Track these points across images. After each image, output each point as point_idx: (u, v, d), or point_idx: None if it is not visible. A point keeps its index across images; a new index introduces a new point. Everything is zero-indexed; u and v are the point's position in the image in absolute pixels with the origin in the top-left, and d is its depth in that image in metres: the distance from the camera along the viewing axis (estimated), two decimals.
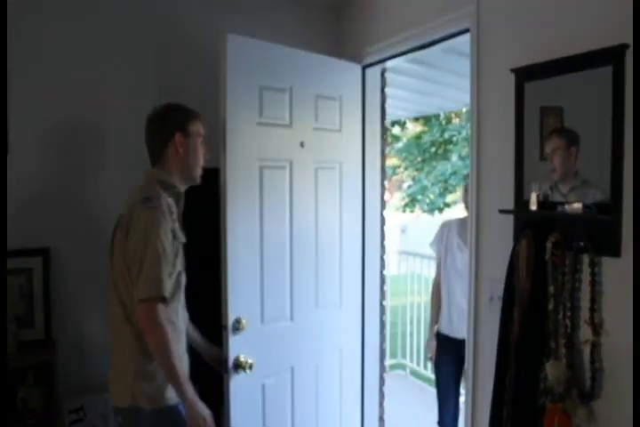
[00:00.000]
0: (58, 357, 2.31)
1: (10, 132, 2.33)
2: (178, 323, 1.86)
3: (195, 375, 2.29)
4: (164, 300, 1.73)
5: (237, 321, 2.20)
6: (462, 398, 2.78)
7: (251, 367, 2.21)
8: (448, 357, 2.98)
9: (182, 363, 1.84)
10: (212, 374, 2.23)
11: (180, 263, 1.87)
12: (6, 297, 2.03)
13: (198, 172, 1.97)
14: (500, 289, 1.86)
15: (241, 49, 2.22)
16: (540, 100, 1.78)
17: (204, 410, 1.78)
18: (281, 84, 2.41)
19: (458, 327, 2.82)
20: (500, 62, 1.95)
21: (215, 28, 2.42)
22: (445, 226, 3.08)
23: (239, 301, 2.22)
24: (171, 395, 1.80)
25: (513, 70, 1.84)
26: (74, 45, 2.46)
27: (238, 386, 2.21)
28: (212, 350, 2.19)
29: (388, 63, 2.82)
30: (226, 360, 2.17)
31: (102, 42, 2.51)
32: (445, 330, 3.01)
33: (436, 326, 3.09)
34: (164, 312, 1.72)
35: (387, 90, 3.00)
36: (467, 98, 2.20)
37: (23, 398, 2.32)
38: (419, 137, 11.00)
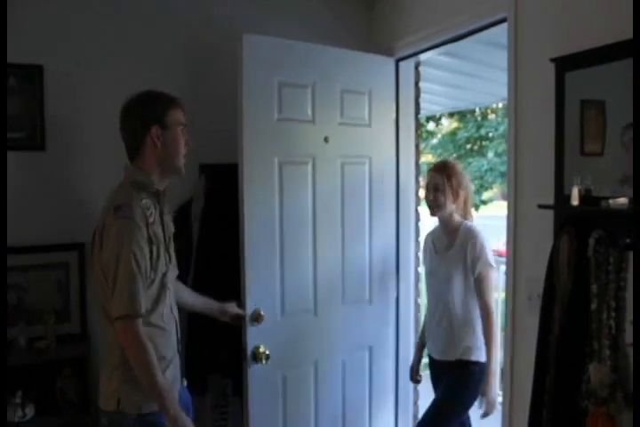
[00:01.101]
0: (92, 351, 2.34)
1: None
2: (166, 326, 1.80)
3: (216, 365, 2.47)
4: (140, 316, 1.67)
5: (256, 312, 2.26)
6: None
7: (267, 358, 2.27)
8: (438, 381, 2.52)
9: (170, 370, 1.80)
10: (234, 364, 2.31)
11: (162, 264, 1.78)
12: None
13: (180, 162, 1.83)
14: (539, 288, 1.80)
15: (258, 48, 2.26)
16: (582, 91, 1.71)
17: (187, 423, 1.72)
18: (303, 80, 2.42)
19: (432, 347, 2.53)
20: (539, 52, 1.88)
21: (245, 26, 2.44)
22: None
23: (258, 293, 2.28)
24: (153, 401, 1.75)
25: (553, 60, 1.77)
26: (98, 45, 2.51)
27: (258, 376, 2.27)
28: (223, 306, 2.16)
29: (422, 56, 2.77)
30: (245, 350, 2.24)
31: (127, 41, 2.56)
32: (428, 350, 2.62)
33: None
34: (142, 328, 1.67)
35: (420, 84, 2.95)
36: (503, 91, 2.14)
37: (61, 389, 2.39)
38: (454, 133, 10.85)
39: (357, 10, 2.96)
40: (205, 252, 2.52)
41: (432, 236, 2.59)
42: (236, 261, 2.28)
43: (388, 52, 2.76)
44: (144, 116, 1.79)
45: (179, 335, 1.90)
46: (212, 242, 2.51)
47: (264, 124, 2.31)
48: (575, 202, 1.65)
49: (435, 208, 2.45)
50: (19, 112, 2.41)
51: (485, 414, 2.32)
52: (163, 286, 1.78)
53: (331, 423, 2.57)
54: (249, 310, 2.26)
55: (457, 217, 2.46)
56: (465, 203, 2.50)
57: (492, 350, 2.30)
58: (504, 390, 2.13)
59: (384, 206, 2.72)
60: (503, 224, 2.06)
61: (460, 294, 2.38)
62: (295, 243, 2.41)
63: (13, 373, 2.34)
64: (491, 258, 2.36)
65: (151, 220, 1.73)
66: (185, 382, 1.98)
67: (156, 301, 1.76)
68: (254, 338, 2.26)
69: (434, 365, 2.55)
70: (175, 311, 1.89)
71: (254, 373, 2.27)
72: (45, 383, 2.38)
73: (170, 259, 1.86)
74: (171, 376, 1.80)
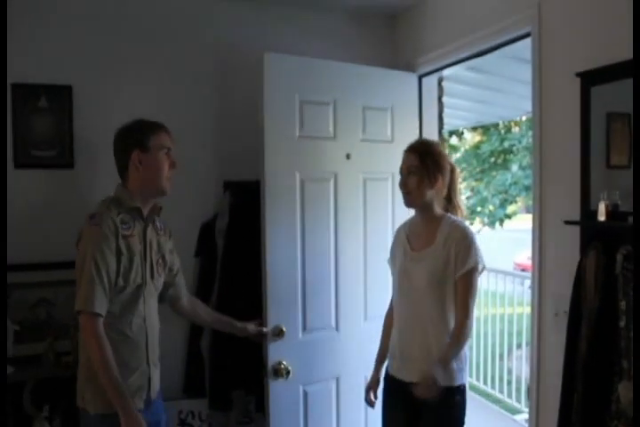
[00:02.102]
0: None
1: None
2: (133, 336, 1.88)
3: (240, 382, 2.47)
4: (97, 315, 1.76)
5: (277, 328, 2.29)
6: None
7: (288, 373, 2.29)
8: (395, 400, 2.10)
9: (135, 379, 1.86)
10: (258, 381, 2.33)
11: (137, 277, 1.87)
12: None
13: (162, 184, 1.94)
14: (565, 304, 1.77)
15: (280, 66, 2.31)
16: (607, 104, 1.70)
17: (140, 423, 1.77)
18: (324, 97, 2.46)
19: (399, 365, 2.06)
20: (564, 67, 1.88)
21: (270, 44, 2.49)
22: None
23: (279, 309, 2.31)
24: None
25: (578, 74, 1.76)
26: (125, 66, 2.59)
27: (278, 391, 2.29)
28: (244, 326, 2.21)
29: (445, 72, 2.78)
30: (265, 365, 2.27)
31: (153, 62, 2.63)
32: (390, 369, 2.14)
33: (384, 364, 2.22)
34: (100, 326, 1.77)
35: (444, 99, 2.95)
36: (527, 105, 2.13)
37: None
38: (477, 147, 10.78)
39: (380, 26, 2.99)
40: (230, 267, 2.55)
41: (406, 229, 2.15)
42: (259, 275, 2.30)
43: (410, 67, 2.77)
44: (127, 141, 1.93)
45: (148, 347, 1.94)
46: (237, 257, 2.54)
47: (286, 141, 2.34)
48: (602, 217, 1.63)
49: (407, 195, 2.03)
50: (49, 131, 2.48)
51: None
52: (135, 297, 1.88)
53: None
54: (270, 325, 2.28)
55: (438, 208, 2.05)
56: (451, 192, 2.09)
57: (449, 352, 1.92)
58: (530, 407, 2.10)
59: None
60: (526, 237, 2.04)
61: (440, 303, 1.94)
62: (317, 259, 2.43)
63: (41, 387, 2.38)
64: (481, 258, 1.93)
65: (127, 233, 1.87)
66: (152, 397, 1.97)
67: (126, 308, 1.86)
68: (275, 353, 2.28)
69: (395, 384, 2.07)
70: (151, 324, 1.96)
71: (275, 388, 2.28)
72: (72, 398, 2.41)
73: (153, 274, 1.95)
74: (135, 385, 1.87)
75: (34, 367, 2.39)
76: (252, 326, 2.24)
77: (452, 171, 2.08)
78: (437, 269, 1.93)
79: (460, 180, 2.18)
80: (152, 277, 1.96)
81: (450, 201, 2.09)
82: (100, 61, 2.53)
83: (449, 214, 2.04)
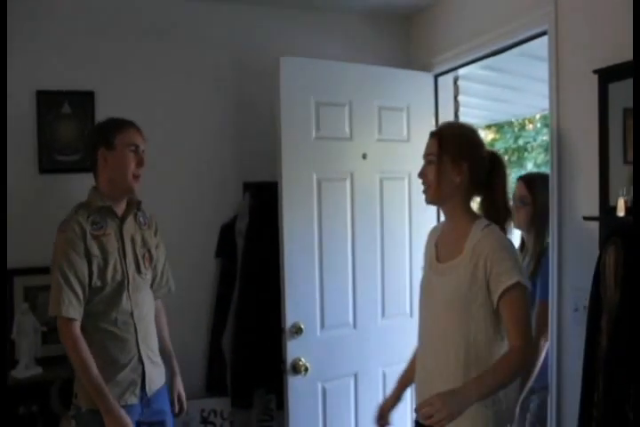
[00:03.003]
0: None
1: None
2: (119, 332, 1.93)
3: (261, 381, 2.51)
4: (70, 319, 1.83)
5: (295, 326, 2.33)
6: None
7: (307, 370, 2.33)
8: None
9: (125, 374, 1.92)
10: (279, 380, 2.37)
11: (115, 274, 1.93)
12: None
13: (128, 181, 1.95)
14: (585, 299, 1.77)
15: (295, 69, 2.35)
16: (625, 101, 1.70)
17: (123, 419, 1.82)
18: (340, 98, 2.49)
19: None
20: (581, 64, 1.88)
21: (285, 46, 2.53)
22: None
23: (297, 307, 2.35)
24: None
25: (596, 71, 1.77)
26: (145, 71, 2.64)
27: (297, 387, 2.34)
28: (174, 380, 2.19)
29: (460, 71, 2.79)
30: (284, 362, 2.32)
31: (173, 68, 2.69)
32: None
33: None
34: (75, 329, 1.84)
35: (459, 98, 2.96)
36: (542, 103, 2.14)
37: None
38: (491, 145, 10.74)
39: (395, 27, 3.01)
40: (249, 267, 2.59)
41: (437, 233, 1.80)
42: (279, 274, 2.34)
43: (426, 67, 2.79)
44: (93, 139, 1.99)
45: (139, 343, 1.97)
46: (256, 257, 2.57)
47: (302, 142, 2.38)
48: (621, 213, 1.64)
49: (426, 189, 1.68)
50: (73, 136, 2.54)
51: None
52: (118, 294, 1.93)
53: None
54: (289, 323, 2.32)
55: (468, 210, 1.67)
56: (492, 191, 1.66)
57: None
58: (550, 402, 2.09)
59: (424, 221, 2.72)
60: None
61: (465, 330, 1.57)
62: (334, 257, 2.46)
63: (68, 386, 2.43)
64: (522, 272, 1.56)
65: (98, 233, 1.92)
66: (149, 394, 2.00)
67: (109, 306, 1.92)
68: (294, 350, 2.33)
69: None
70: (141, 319, 1.99)
71: (294, 384, 2.33)
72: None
73: (139, 268, 2.00)
74: (126, 381, 1.93)
75: (61, 367, 2.44)
76: (175, 389, 2.18)
77: (494, 161, 1.69)
78: (461, 287, 1.58)
79: (507, 174, 1.71)
80: (138, 271, 2.00)
81: (491, 202, 1.68)
82: (120, 67, 2.59)
83: (482, 219, 1.65)
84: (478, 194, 1.70)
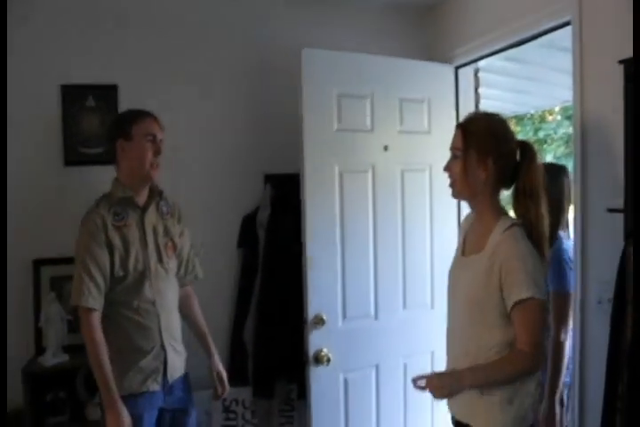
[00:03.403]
0: None
1: None
2: (142, 320, 1.97)
3: (283, 371, 2.56)
4: (90, 309, 1.88)
5: (317, 317, 2.36)
6: None
7: (328, 361, 2.36)
8: None
9: (148, 361, 1.96)
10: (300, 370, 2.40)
11: (137, 263, 1.97)
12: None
13: (145, 170, 1.99)
14: (609, 292, 1.76)
15: (317, 61, 2.36)
16: None
17: (122, 417, 1.84)
18: (361, 90, 2.49)
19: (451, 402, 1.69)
20: (605, 54, 1.86)
21: (306, 39, 2.54)
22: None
23: (319, 298, 2.37)
24: (127, 385, 1.91)
25: (622, 62, 1.75)
26: (167, 64, 2.67)
27: (319, 378, 2.36)
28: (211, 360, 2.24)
29: (481, 62, 2.77)
30: (306, 352, 2.34)
31: (194, 60, 2.71)
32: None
33: None
34: (94, 320, 1.88)
35: (480, 90, 2.95)
36: (563, 94, 2.13)
37: None
38: None
39: (416, 18, 3.00)
40: (271, 258, 2.61)
41: (468, 224, 1.76)
42: (300, 265, 2.36)
43: (447, 59, 2.78)
44: (112, 132, 2.03)
45: (162, 331, 2.01)
46: (278, 248, 2.60)
47: (324, 134, 2.40)
48: None
49: (451, 184, 1.65)
50: (97, 129, 2.57)
51: None
52: (140, 283, 1.97)
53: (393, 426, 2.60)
54: (311, 314, 2.34)
55: (494, 206, 1.61)
56: (521, 187, 1.57)
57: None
58: (573, 396, 2.09)
59: (445, 212, 2.74)
60: None
61: (480, 327, 1.57)
62: (356, 248, 2.48)
63: (93, 375, 2.47)
64: (536, 285, 1.48)
65: (120, 224, 1.97)
66: (170, 381, 2.05)
67: (131, 295, 1.97)
68: (316, 341, 2.35)
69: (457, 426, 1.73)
70: (164, 307, 2.03)
71: (316, 375, 2.35)
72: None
73: (161, 257, 2.03)
74: (149, 368, 1.97)
75: (86, 355, 2.48)
76: (214, 368, 2.23)
77: (525, 153, 1.61)
78: (478, 284, 1.55)
79: (538, 166, 1.60)
80: (160, 260, 2.04)
81: (520, 201, 1.59)
82: (143, 61, 2.63)
83: (507, 218, 1.60)
84: (508, 187, 1.64)
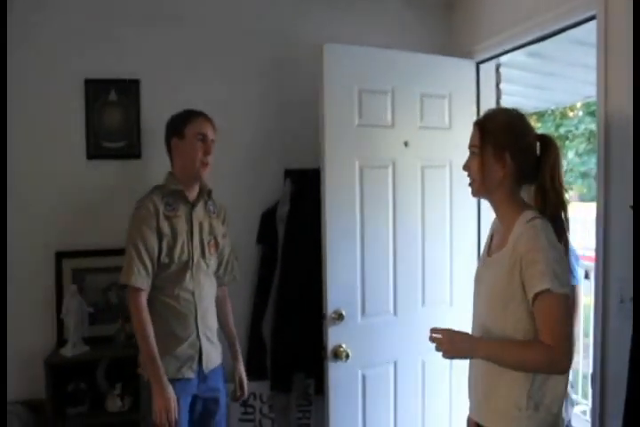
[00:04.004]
0: None
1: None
2: (180, 308, 2.06)
3: (301, 365, 2.57)
4: (137, 289, 1.98)
5: (337, 312, 2.35)
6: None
7: (347, 357, 2.35)
8: None
9: (184, 349, 2.04)
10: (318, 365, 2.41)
11: (183, 254, 2.06)
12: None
13: (195, 168, 2.09)
14: (631, 290, 1.74)
15: (339, 56, 2.35)
16: None
17: (167, 393, 1.93)
18: (382, 86, 2.48)
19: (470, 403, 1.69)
20: (631, 49, 1.83)
21: (327, 34, 2.55)
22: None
23: (339, 293, 2.36)
24: (163, 370, 1.96)
25: None
26: (188, 59, 2.68)
27: (338, 373, 2.36)
28: (235, 364, 2.31)
29: (503, 58, 2.75)
30: (325, 348, 2.34)
31: (215, 55, 2.73)
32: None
33: None
34: (141, 299, 1.98)
35: (501, 85, 2.92)
36: (586, 90, 2.10)
37: None
38: None
39: (438, 13, 2.98)
40: (290, 253, 2.62)
41: (496, 223, 1.70)
42: (320, 261, 2.36)
43: (468, 54, 2.76)
44: (168, 131, 2.15)
45: (198, 321, 2.09)
46: (297, 244, 2.60)
47: (345, 129, 2.39)
48: None
49: (471, 183, 1.62)
50: (119, 124, 2.60)
51: None
52: (183, 273, 2.07)
53: (410, 423, 2.60)
54: (330, 309, 2.34)
55: (515, 201, 1.57)
56: (543, 180, 1.53)
57: None
58: (593, 397, 2.06)
59: (465, 208, 2.72)
60: (580, 227, 1.95)
61: (502, 327, 1.52)
62: (375, 244, 2.47)
63: (114, 366, 2.51)
64: (556, 277, 1.41)
65: (171, 214, 2.07)
66: (205, 371, 2.11)
67: (173, 283, 2.06)
68: (335, 337, 2.35)
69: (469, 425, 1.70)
70: (202, 299, 2.11)
71: (334, 370, 2.35)
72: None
73: (204, 252, 2.13)
74: (184, 355, 2.05)
75: (106, 347, 2.53)
76: (237, 373, 2.29)
77: (545, 146, 1.57)
78: (500, 282, 1.51)
79: (560, 161, 1.56)
80: (203, 255, 2.12)
81: (541, 191, 1.54)
82: (165, 56, 2.65)
83: (529, 211, 1.53)
84: (529, 183, 1.59)
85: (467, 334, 1.59)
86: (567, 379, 1.55)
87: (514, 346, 1.49)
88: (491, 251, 1.64)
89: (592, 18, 2.03)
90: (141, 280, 1.99)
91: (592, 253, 2.12)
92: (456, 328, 1.64)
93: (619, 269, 1.93)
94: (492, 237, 1.69)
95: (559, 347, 1.41)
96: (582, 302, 2.90)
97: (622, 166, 1.92)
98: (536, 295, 1.43)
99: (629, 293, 1.78)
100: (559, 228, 1.53)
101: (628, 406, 1.71)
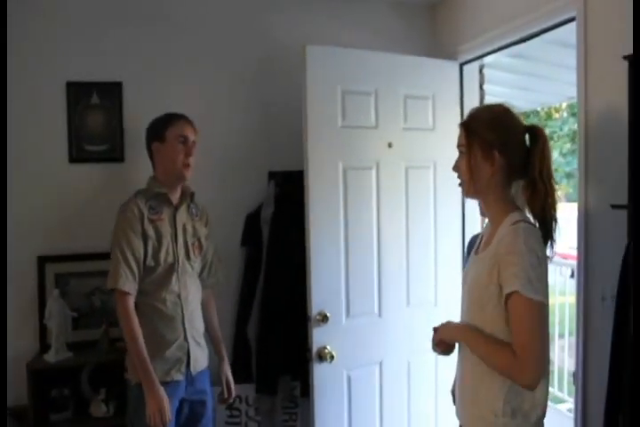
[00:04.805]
0: None
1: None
2: (167, 311, 2.06)
3: (286, 368, 2.56)
4: (124, 293, 1.97)
5: (321, 314, 2.34)
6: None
7: (332, 358, 2.35)
8: None
9: (172, 351, 2.05)
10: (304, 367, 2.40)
11: (168, 256, 2.07)
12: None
13: (177, 170, 2.10)
14: (612, 289, 1.76)
15: (322, 58, 2.35)
16: None
17: (160, 394, 1.93)
18: (365, 87, 2.49)
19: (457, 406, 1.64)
20: (610, 50, 1.86)
21: (311, 35, 2.55)
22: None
23: (323, 295, 2.37)
24: (155, 372, 1.96)
25: (626, 57, 1.74)
26: (172, 62, 2.68)
27: (323, 375, 2.36)
28: (222, 365, 2.31)
29: (486, 59, 2.76)
30: (310, 350, 2.34)
31: (198, 58, 2.72)
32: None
33: None
34: (128, 303, 1.98)
35: (485, 86, 2.94)
36: (569, 91, 2.12)
37: None
38: None
39: (421, 15, 3.00)
40: (275, 255, 2.61)
41: (487, 224, 1.68)
42: (304, 263, 2.36)
43: (451, 56, 2.78)
44: (148, 135, 2.17)
45: (185, 323, 2.09)
46: (282, 246, 2.60)
47: (328, 131, 2.39)
48: None
49: (461, 184, 1.60)
50: (101, 127, 2.59)
51: None
52: (168, 275, 2.08)
53: (395, 424, 2.60)
54: (314, 311, 2.34)
55: (503, 201, 1.54)
56: (532, 176, 1.48)
57: None
58: (576, 395, 2.08)
59: (450, 209, 2.73)
60: (565, 226, 1.90)
61: (484, 327, 1.48)
62: (360, 246, 2.47)
63: (98, 371, 2.49)
64: (531, 281, 1.36)
65: (154, 217, 2.07)
66: (193, 373, 2.12)
67: (159, 286, 2.06)
68: (320, 338, 2.35)
69: None
70: (188, 301, 2.11)
71: (319, 372, 2.35)
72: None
73: (189, 255, 2.14)
74: (173, 358, 2.06)
75: (90, 352, 2.50)
76: (224, 375, 2.30)
77: (533, 138, 1.52)
78: (480, 282, 1.48)
79: (549, 151, 1.52)
80: (188, 257, 2.13)
81: (530, 187, 1.50)
82: (147, 58, 2.63)
83: (516, 214, 1.50)
84: (520, 178, 1.54)
85: (455, 325, 1.62)
86: (547, 386, 1.50)
87: (486, 342, 1.46)
88: (479, 250, 1.62)
89: (572, 19, 2.05)
90: (129, 284, 1.99)
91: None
92: None
93: (600, 267, 1.95)
94: (482, 237, 1.66)
95: (523, 360, 1.35)
96: None
97: (603, 166, 1.94)
98: (507, 298, 1.39)
99: (611, 291, 1.79)
100: (547, 227, 1.51)
101: (608, 403, 1.72)
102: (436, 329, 1.67)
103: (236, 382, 2.64)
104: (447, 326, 1.64)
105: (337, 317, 2.39)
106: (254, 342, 2.64)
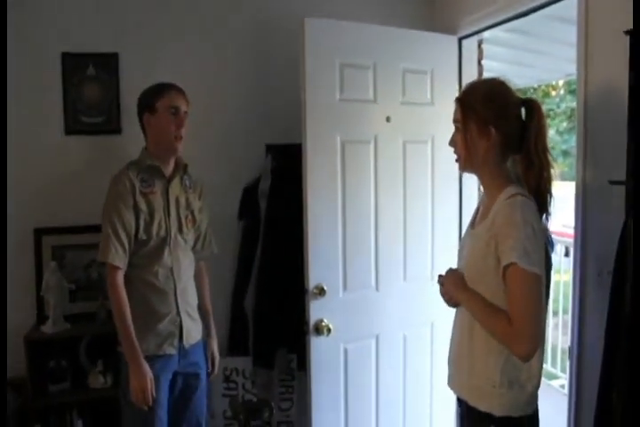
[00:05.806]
0: None
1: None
2: (160, 285, 2.06)
3: (283, 341, 2.58)
4: (114, 267, 1.96)
5: (318, 287, 2.36)
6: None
7: (329, 331, 2.37)
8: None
9: (164, 325, 2.05)
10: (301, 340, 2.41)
11: (160, 230, 2.05)
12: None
13: (168, 142, 2.07)
14: (609, 264, 1.77)
15: (320, 31, 2.32)
16: None
17: (143, 372, 1.94)
18: (364, 60, 2.46)
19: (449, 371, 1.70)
20: (611, 25, 1.84)
21: (308, 8, 2.52)
22: None
23: (320, 268, 2.37)
24: (145, 347, 1.99)
25: (627, 32, 1.72)
26: (168, 32, 2.64)
27: (320, 348, 2.37)
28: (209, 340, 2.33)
29: (485, 34, 2.74)
30: (307, 323, 2.35)
31: (195, 30, 2.69)
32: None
33: None
34: (118, 277, 1.97)
35: (483, 62, 2.91)
36: (568, 68, 2.10)
37: None
38: None
39: None
40: (272, 228, 2.61)
41: (482, 197, 1.70)
42: (302, 236, 2.37)
43: (450, 30, 2.74)
44: (139, 106, 2.11)
45: (177, 297, 2.09)
46: (279, 219, 2.60)
47: (326, 104, 2.37)
48: None
49: (458, 159, 1.61)
50: (97, 98, 2.56)
51: None
52: (160, 249, 2.06)
53: (391, 396, 2.64)
54: (311, 284, 2.36)
55: (501, 175, 1.55)
56: (528, 151, 1.50)
57: None
58: (570, 369, 2.10)
59: (447, 183, 2.74)
60: (560, 205, 1.90)
61: (484, 296, 1.50)
62: (357, 220, 2.48)
63: (95, 343, 2.51)
64: (527, 252, 1.39)
65: (146, 190, 2.04)
66: (186, 346, 2.12)
67: (151, 259, 2.05)
68: (317, 311, 2.37)
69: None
70: (180, 275, 2.11)
71: (316, 345, 2.37)
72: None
73: (181, 228, 2.12)
74: (165, 331, 2.06)
75: (88, 324, 2.52)
76: (210, 349, 2.31)
77: (529, 112, 1.53)
78: (477, 255, 1.50)
79: (545, 125, 1.54)
80: (180, 230, 2.11)
81: (526, 161, 1.52)
82: (144, 29, 2.60)
83: (512, 187, 1.51)
84: (516, 152, 1.55)
85: (461, 282, 1.57)
86: (542, 358, 1.54)
87: (486, 306, 1.48)
88: (475, 223, 1.63)
89: None
90: (118, 258, 1.97)
91: (572, 231, 2.15)
92: (437, 302, 1.71)
93: (597, 243, 1.96)
94: (478, 209, 1.67)
95: (518, 330, 1.38)
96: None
97: (602, 142, 1.94)
98: (505, 269, 1.42)
99: (607, 266, 1.81)
100: (542, 200, 1.53)
101: (602, 377, 1.75)
102: (441, 277, 1.65)
103: (233, 355, 2.68)
104: (451, 278, 1.60)
105: (334, 290, 2.40)
106: (251, 315, 2.66)
